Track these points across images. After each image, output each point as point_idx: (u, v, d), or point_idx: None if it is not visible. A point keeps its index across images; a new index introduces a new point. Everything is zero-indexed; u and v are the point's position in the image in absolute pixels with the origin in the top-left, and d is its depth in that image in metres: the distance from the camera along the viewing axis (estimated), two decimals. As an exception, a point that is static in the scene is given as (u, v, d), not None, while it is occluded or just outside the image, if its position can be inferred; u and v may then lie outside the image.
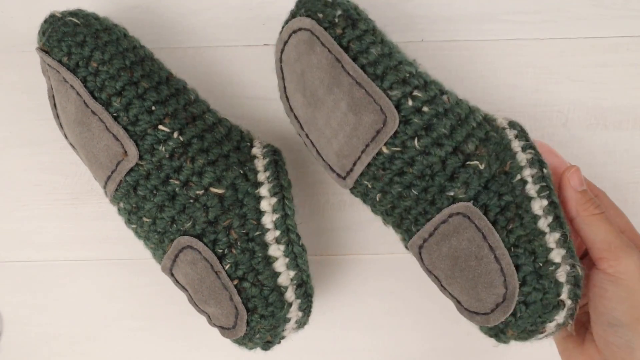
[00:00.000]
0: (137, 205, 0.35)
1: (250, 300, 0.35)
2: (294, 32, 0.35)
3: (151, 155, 0.35)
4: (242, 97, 0.43)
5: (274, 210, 0.36)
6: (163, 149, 0.35)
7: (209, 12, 0.43)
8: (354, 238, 0.44)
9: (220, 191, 0.35)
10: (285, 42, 0.35)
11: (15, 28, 0.43)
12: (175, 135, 0.35)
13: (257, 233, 0.35)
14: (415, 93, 0.33)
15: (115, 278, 0.45)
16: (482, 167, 0.33)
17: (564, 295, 0.33)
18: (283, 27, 0.36)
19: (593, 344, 0.35)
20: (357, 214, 0.43)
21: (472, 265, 0.33)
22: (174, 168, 0.35)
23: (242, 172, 0.36)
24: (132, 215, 0.36)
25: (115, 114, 0.35)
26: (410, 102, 0.33)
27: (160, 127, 0.35)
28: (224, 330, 0.36)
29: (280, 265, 0.35)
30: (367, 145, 0.34)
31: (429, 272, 0.35)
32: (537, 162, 0.35)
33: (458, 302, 0.35)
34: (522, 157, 0.35)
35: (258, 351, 0.38)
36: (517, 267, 0.33)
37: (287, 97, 0.37)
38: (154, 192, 0.35)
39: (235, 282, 0.35)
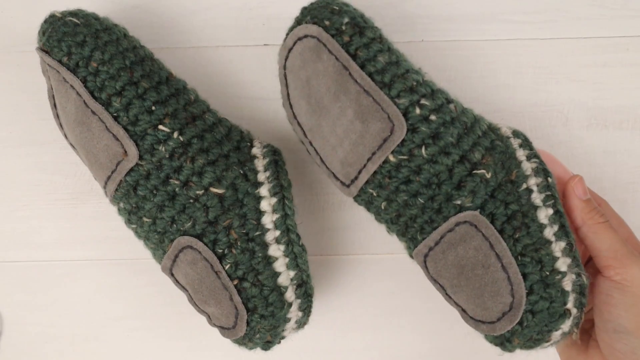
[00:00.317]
0: (137, 205, 0.35)
1: (250, 300, 0.35)
2: (300, 39, 0.35)
3: (151, 155, 0.35)
4: (242, 97, 0.43)
5: (274, 210, 0.36)
6: (163, 149, 0.35)
7: (209, 12, 0.43)
8: (354, 238, 0.44)
9: (220, 191, 0.35)
10: (290, 49, 0.35)
11: (15, 28, 0.43)
12: (175, 135, 0.35)
13: (257, 233, 0.35)
14: (423, 101, 0.33)
15: (115, 278, 0.45)
16: (488, 175, 0.33)
17: (570, 304, 0.33)
18: (287, 34, 0.36)
19: (597, 351, 0.35)
20: (357, 214, 0.43)
21: (479, 273, 0.33)
22: (174, 168, 0.35)
23: (242, 172, 0.36)
24: (132, 215, 0.36)
25: (115, 114, 0.34)
26: (418, 111, 0.33)
27: (160, 127, 0.35)
28: (224, 330, 0.36)
29: (280, 265, 0.35)
30: (373, 154, 0.34)
31: (434, 280, 0.35)
32: (542, 171, 0.35)
33: (463, 311, 0.35)
34: (527, 166, 0.35)
35: (258, 351, 0.38)
36: (524, 276, 0.33)
37: (290, 104, 0.37)
38: (154, 192, 0.35)
39: (235, 282, 0.35)
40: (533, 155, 0.35)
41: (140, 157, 0.35)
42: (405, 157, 0.33)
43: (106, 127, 0.34)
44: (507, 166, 0.34)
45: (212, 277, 0.35)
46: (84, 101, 0.35)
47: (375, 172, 0.34)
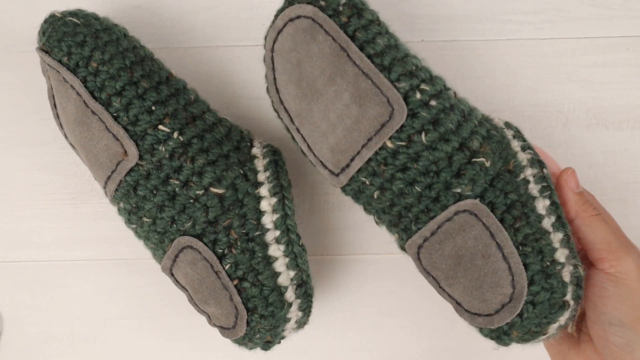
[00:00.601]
0: (137, 205, 0.35)
1: (250, 300, 0.35)
2: (291, 20, 0.33)
3: (151, 155, 0.35)
4: (242, 97, 0.43)
5: (274, 210, 0.36)
6: (163, 149, 0.35)
7: (209, 12, 0.43)
8: (354, 238, 0.44)
9: (220, 191, 0.35)
10: (280, 31, 0.34)
11: (15, 28, 0.43)
12: (175, 135, 0.35)
13: (257, 233, 0.35)
14: (423, 86, 0.33)
15: (115, 278, 0.45)
16: (488, 164, 0.33)
17: (568, 296, 0.33)
18: (277, 16, 0.35)
19: (590, 344, 0.35)
20: (357, 214, 0.43)
21: (478, 264, 0.33)
22: (174, 168, 0.35)
23: (242, 172, 0.36)
24: (132, 215, 0.36)
25: (115, 114, 0.35)
26: (418, 95, 0.32)
27: (160, 127, 0.35)
28: (224, 330, 0.36)
29: (280, 265, 0.35)
30: (369, 139, 0.33)
31: (427, 273, 0.35)
32: (537, 162, 0.35)
33: (458, 304, 0.34)
34: (523, 157, 0.34)
35: (258, 351, 0.38)
36: (525, 266, 0.32)
37: (277, 89, 0.36)
38: (154, 192, 0.35)
39: (235, 282, 0.35)
40: (527, 146, 0.35)
41: (140, 157, 0.35)
42: (403, 143, 0.33)
43: (106, 127, 0.34)
44: (504, 155, 0.34)
45: (212, 277, 0.35)
46: (84, 101, 0.35)
47: (369, 159, 0.33)
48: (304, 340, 0.44)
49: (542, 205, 0.33)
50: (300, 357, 0.45)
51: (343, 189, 0.36)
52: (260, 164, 0.37)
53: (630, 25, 0.42)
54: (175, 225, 0.35)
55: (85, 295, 0.45)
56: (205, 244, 0.35)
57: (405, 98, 0.32)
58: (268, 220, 0.35)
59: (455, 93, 0.34)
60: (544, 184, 0.34)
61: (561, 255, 0.33)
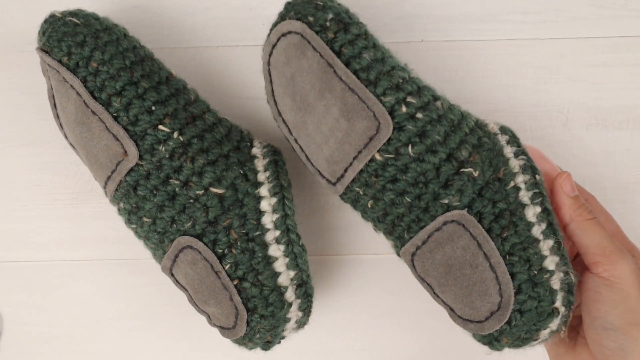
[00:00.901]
0: (137, 205, 0.35)
1: (250, 300, 0.35)
2: (283, 35, 0.34)
3: (151, 155, 0.35)
4: (242, 97, 0.43)
5: (274, 210, 0.36)
6: (163, 149, 0.35)
7: (209, 12, 0.43)
8: (354, 238, 0.44)
9: (220, 191, 0.35)
10: (274, 45, 0.35)
11: (15, 28, 0.43)
12: (175, 135, 0.35)
13: (257, 233, 0.35)
14: (409, 99, 0.33)
15: (115, 278, 0.45)
16: (476, 174, 0.33)
17: (558, 303, 0.33)
18: (271, 30, 0.35)
19: (585, 348, 0.35)
20: (357, 214, 0.43)
21: (467, 273, 0.33)
22: (174, 168, 0.35)
23: (242, 172, 0.36)
24: (132, 215, 0.36)
25: (115, 114, 0.35)
26: (404, 109, 0.33)
27: (160, 127, 0.35)
28: (224, 330, 0.36)
29: (280, 265, 0.35)
30: (359, 152, 0.34)
31: (422, 279, 0.35)
32: (530, 168, 0.34)
33: (451, 310, 0.35)
34: (515, 164, 0.34)
35: (258, 351, 0.38)
36: (512, 275, 0.33)
37: (275, 100, 0.37)
38: (154, 192, 0.35)
39: (235, 282, 0.35)
40: (521, 152, 0.35)
41: (140, 157, 0.35)
42: (391, 155, 0.33)
43: (106, 127, 0.34)
44: (494, 164, 0.34)
45: (212, 277, 0.35)
46: (84, 101, 0.35)
47: (361, 171, 0.34)
48: (304, 340, 0.44)
49: (532, 212, 0.33)
50: (300, 357, 0.45)
51: (341, 196, 0.36)
52: (260, 164, 0.37)
53: (630, 25, 0.42)
54: (175, 225, 0.35)
55: (85, 295, 0.45)
56: (205, 244, 0.35)
57: (392, 112, 0.33)
58: (268, 220, 0.35)
59: (442, 104, 0.34)
60: (536, 190, 0.34)
61: (551, 262, 0.33)
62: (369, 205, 0.35)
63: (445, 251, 0.33)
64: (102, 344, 0.45)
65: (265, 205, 0.36)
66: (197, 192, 0.35)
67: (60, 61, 0.35)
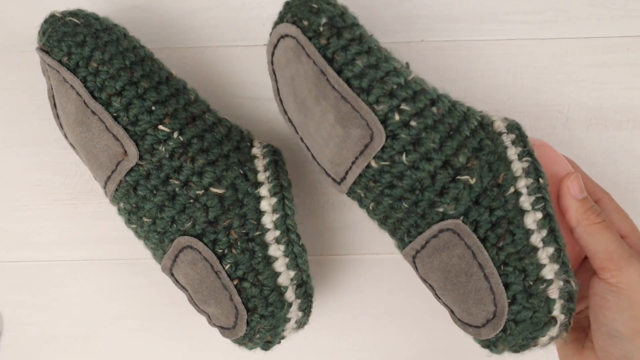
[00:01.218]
0: (137, 205, 0.35)
1: (250, 300, 0.35)
2: (282, 37, 0.34)
3: (151, 155, 0.35)
4: (242, 97, 0.43)
5: (274, 210, 0.36)
6: (163, 149, 0.35)
7: (209, 12, 0.43)
8: (354, 238, 0.44)
9: (220, 191, 0.35)
10: (275, 46, 0.35)
11: (15, 28, 0.43)
12: (175, 135, 0.35)
13: (257, 233, 0.35)
14: (403, 106, 0.33)
15: (115, 278, 0.45)
16: (472, 181, 0.33)
17: (556, 312, 0.33)
18: (272, 30, 0.35)
19: (593, 352, 0.35)
20: (357, 214, 0.43)
21: (462, 281, 0.33)
22: (174, 168, 0.35)
23: (242, 172, 0.36)
24: (132, 215, 0.36)
25: (115, 114, 0.34)
26: (397, 117, 0.32)
27: (160, 127, 0.35)
28: (224, 330, 0.36)
29: (280, 265, 0.35)
30: (356, 158, 0.33)
31: (424, 280, 0.35)
32: (534, 171, 0.34)
33: (452, 312, 0.35)
34: (518, 167, 0.33)
35: (258, 351, 0.38)
36: (507, 286, 0.32)
37: (280, 99, 0.37)
38: (154, 192, 0.35)
39: (235, 282, 0.35)
40: (526, 153, 0.34)
41: (140, 157, 0.35)
42: (387, 163, 0.33)
43: (106, 127, 0.34)
44: (494, 168, 0.33)
45: (212, 277, 0.35)
46: (84, 101, 0.35)
47: (360, 175, 0.34)
48: (304, 340, 0.44)
49: (532, 219, 0.33)
50: (300, 357, 0.45)
51: (347, 194, 0.36)
52: (260, 164, 0.37)
53: (630, 25, 0.42)
54: (175, 225, 0.35)
55: (85, 295, 0.45)
56: (205, 244, 0.35)
57: (385, 120, 0.32)
58: (268, 220, 0.35)
59: (438, 109, 0.33)
60: (538, 195, 0.33)
61: (549, 271, 0.32)
62: (371, 207, 0.35)
63: (442, 258, 0.33)
64: (102, 344, 0.45)
65: (265, 205, 0.36)
66: (197, 192, 0.35)
67: (60, 61, 0.35)
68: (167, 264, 0.36)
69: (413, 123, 0.33)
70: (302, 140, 0.37)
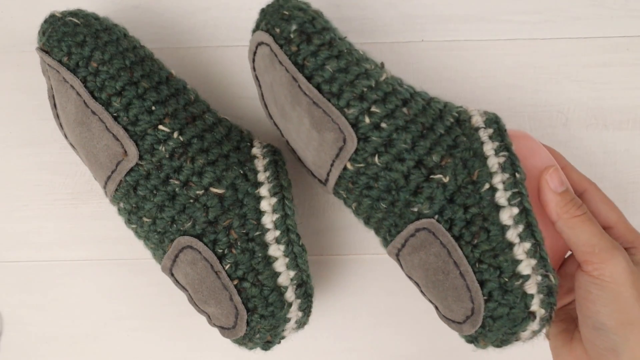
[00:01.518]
0: (137, 205, 0.35)
1: (250, 300, 0.35)
2: (259, 44, 0.35)
3: (151, 155, 0.35)
4: (242, 97, 0.43)
5: (274, 210, 0.36)
6: (163, 149, 0.35)
7: (209, 12, 0.43)
8: (354, 238, 0.44)
9: (220, 191, 0.35)
10: (254, 52, 0.36)
11: (15, 28, 0.43)
12: (175, 135, 0.35)
13: (257, 233, 0.35)
14: (373, 109, 0.33)
15: (115, 278, 0.45)
16: (446, 180, 0.33)
17: (534, 307, 0.32)
18: (251, 37, 0.36)
19: (580, 344, 0.35)
20: (357, 218, 0.43)
21: (441, 279, 0.33)
22: (174, 168, 0.35)
23: (242, 172, 0.36)
24: (132, 215, 0.36)
25: (115, 114, 0.35)
26: (367, 120, 0.33)
27: (160, 127, 0.35)
28: (224, 330, 0.36)
29: (280, 265, 0.35)
30: (333, 161, 0.34)
31: (409, 277, 0.36)
32: (510, 165, 0.33)
33: (436, 308, 0.35)
34: (494, 162, 0.33)
35: (258, 351, 0.38)
36: (482, 283, 0.32)
37: (265, 104, 0.38)
38: (154, 192, 0.35)
39: (235, 282, 0.35)
40: (503, 147, 0.34)
41: (140, 157, 0.35)
42: (361, 165, 0.34)
43: (106, 127, 0.34)
44: (469, 165, 0.33)
45: (212, 277, 0.35)
46: (84, 101, 0.35)
47: (340, 177, 0.35)
48: (304, 340, 0.44)
49: (508, 215, 0.32)
50: (300, 357, 0.45)
51: (334, 194, 0.37)
52: (260, 164, 0.37)
53: (630, 25, 0.42)
54: (175, 225, 0.35)
55: (85, 295, 0.45)
56: (205, 244, 0.35)
57: (356, 123, 0.33)
58: (268, 220, 0.35)
59: (409, 109, 0.33)
60: (515, 190, 0.33)
61: (526, 267, 0.32)
62: (354, 208, 0.36)
63: (420, 256, 0.34)
64: (102, 344, 0.45)
65: (265, 205, 0.36)
66: (197, 192, 0.35)
67: (60, 61, 0.35)
68: (167, 264, 0.36)
69: (384, 125, 0.33)
70: (287, 143, 0.37)
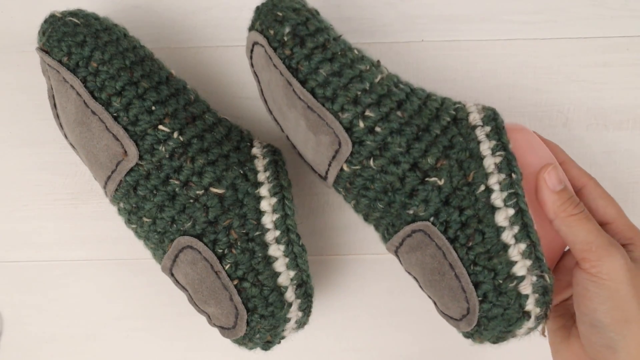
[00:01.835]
0: (137, 205, 0.35)
1: (250, 300, 0.35)
2: (255, 43, 0.35)
3: (151, 155, 0.35)
4: (242, 97, 0.43)
5: (274, 210, 0.36)
6: (163, 149, 0.35)
7: (209, 12, 0.43)
8: (354, 238, 0.44)
9: (220, 191, 0.35)
10: (251, 51, 0.36)
11: (15, 28, 0.43)
12: (175, 135, 0.35)
13: (257, 233, 0.35)
14: (367, 113, 0.33)
15: (115, 278, 0.45)
16: (441, 182, 0.33)
17: (529, 306, 0.33)
18: (247, 35, 0.36)
19: (578, 340, 0.35)
20: (357, 214, 0.43)
21: (437, 279, 0.34)
22: (174, 168, 0.35)
23: (242, 172, 0.36)
24: (132, 215, 0.36)
25: (115, 114, 0.34)
26: (361, 124, 0.33)
27: (160, 127, 0.35)
28: (224, 330, 0.36)
29: (280, 265, 0.35)
30: (330, 161, 0.35)
31: (408, 272, 0.36)
32: (507, 166, 0.33)
33: (435, 303, 0.36)
34: (490, 162, 0.33)
35: (258, 351, 0.38)
36: (477, 284, 0.33)
37: (264, 99, 0.38)
38: (154, 192, 0.35)
39: (235, 282, 0.35)
40: (500, 147, 0.34)
41: (140, 157, 0.35)
42: (357, 167, 0.34)
43: (106, 127, 0.34)
44: (465, 166, 0.33)
45: (212, 277, 0.35)
46: (84, 101, 0.35)
47: (337, 177, 0.35)
48: (304, 340, 0.44)
49: (503, 216, 0.33)
50: (300, 357, 0.45)
51: (334, 188, 0.37)
52: (260, 164, 0.37)
53: (630, 25, 0.42)
54: (175, 225, 0.35)
55: (85, 295, 0.45)
56: (205, 244, 0.35)
57: (350, 127, 0.33)
58: (268, 220, 0.35)
59: (404, 112, 0.33)
60: (511, 190, 0.33)
61: (521, 268, 0.32)
62: (353, 205, 0.36)
63: (417, 256, 0.34)
64: (102, 344, 0.45)
65: (265, 205, 0.36)
66: (197, 192, 0.35)
67: (60, 61, 0.35)
68: (167, 264, 0.36)
69: (378, 129, 0.33)
70: (287, 138, 0.38)
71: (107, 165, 0.35)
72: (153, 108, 0.35)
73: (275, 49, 0.34)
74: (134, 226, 0.37)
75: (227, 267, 0.35)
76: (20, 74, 0.43)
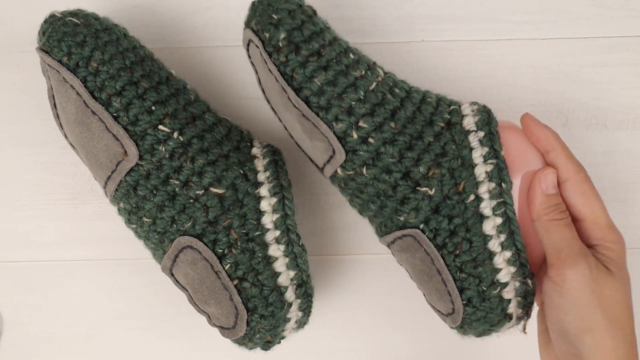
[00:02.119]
0: (137, 205, 0.35)
1: (250, 300, 0.35)
2: (250, 41, 0.35)
3: (151, 155, 0.35)
4: (242, 97, 0.43)
5: (274, 210, 0.36)
6: (163, 149, 0.35)
7: (209, 12, 0.43)
8: (354, 238, 0.44)
9: (220, 191, 0.35)
10: (248, 44, 0.36)
11: (15, 28, 0.43)
12: (175, 135, 0.35)
13: (257, 233, 0.35)
14: (361, 123, 0.33)
15: (115, 278, 0.45)
16: (432, 192, 0.34)
17: (511, 310, 0.34)
18: (244, 29, 0.36)
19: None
20: (357, 214, 0.43)
21: (425, 279, 0.35)
22: (174, 168, 0.35)
23: (242, 172, 0.36)
24: (132, 215, 0.36)
25: (115, 114, 0.34)
26: (355, 135, 0.33)
27: (160, 127, 0.35)
28: (224, 330, 0.36)
29: (280, 265, 0.35)
30: (325, 164, 0.35)
31: (400, 264, 0.38)
32: (498, 174, 0.34)
33: (424, 295, 0.37)
34: (481, 171, 0.34)
35: (258, 351, 0.38)
36: (462, 290, 0.34)
37: (262, 89, 0.38)
38: (154, 192, 0.35)
39: (235, 282, 0.35)
40: (492, 155, 0.34)
41: (140, 157, 0.35)
42: (351, 172, 0.34)
43: (106, 127, 0.34)
44: (456, 175, 0.34)
45: (212, 277, 0.35)
46: (84, 101, 0.35)
47: (332, 176, 0.36)
48: (304, 340, 0.44)
49: (491, 225, 0.34)
50: (300, 357, 0.45)
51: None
52: (260, 164, 0.37)
53: (630, 25, 0.42)
54: (175, 225, 0.35)
55: (85, 295, 0.45)
56: (205, 244, 0.35)
57: (344, 137, 0.34)
58: (268, 220, 0.35)
59: (396, 124, 0.33)
60: (500, 199, 0.34)
61: (505, 274, 0.34)
62: (347, 200, 0.37)
63: (407, 257, 0.35)
64: (102, 344, 0.45)
65: (265, 205, 0.36)
66: (197, 192, 0.35)
67: (60, 61, 0.35)
68: (167, 264, 0.36)
69: (371, 140, 0.33)
70: (285, 128, 0.38)
71: (107, 165, 0.35)
72: (153, 108, 0.35)
73: (270, 54, 0.34)
74: (134, 226, 0.37)
75: (227, 267, 0.35)
76: (20, 74, 0.43)
